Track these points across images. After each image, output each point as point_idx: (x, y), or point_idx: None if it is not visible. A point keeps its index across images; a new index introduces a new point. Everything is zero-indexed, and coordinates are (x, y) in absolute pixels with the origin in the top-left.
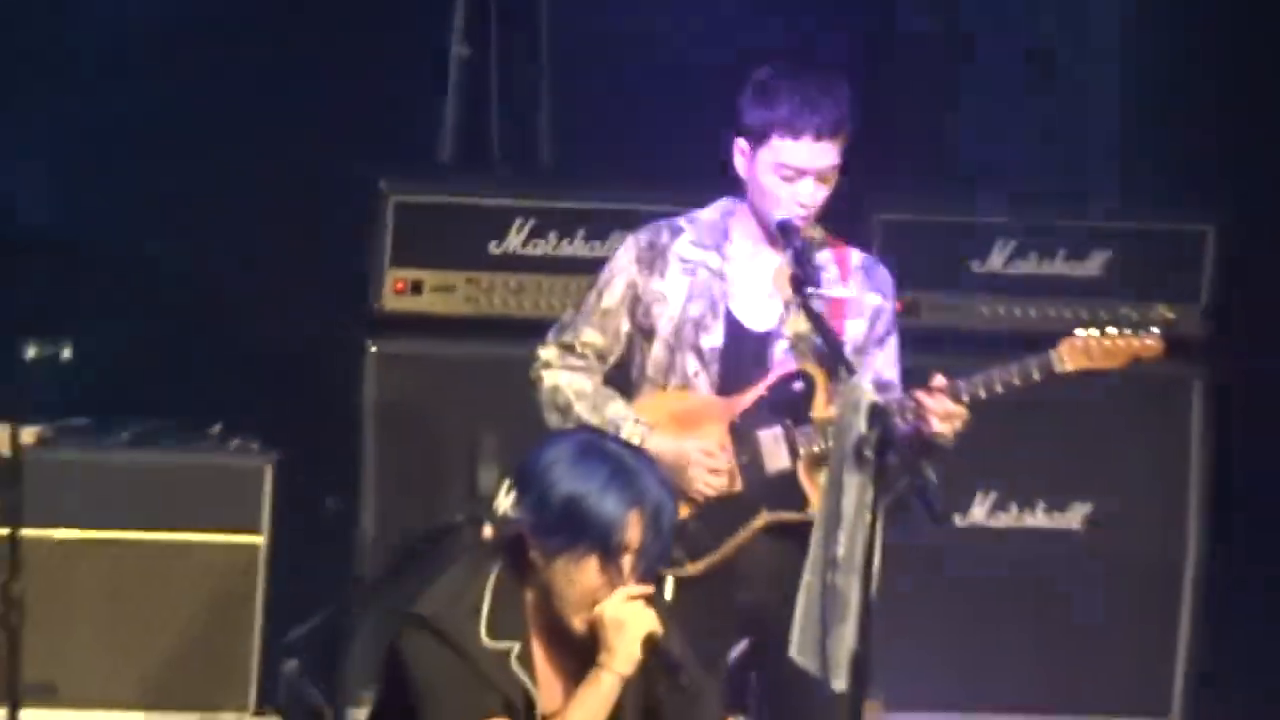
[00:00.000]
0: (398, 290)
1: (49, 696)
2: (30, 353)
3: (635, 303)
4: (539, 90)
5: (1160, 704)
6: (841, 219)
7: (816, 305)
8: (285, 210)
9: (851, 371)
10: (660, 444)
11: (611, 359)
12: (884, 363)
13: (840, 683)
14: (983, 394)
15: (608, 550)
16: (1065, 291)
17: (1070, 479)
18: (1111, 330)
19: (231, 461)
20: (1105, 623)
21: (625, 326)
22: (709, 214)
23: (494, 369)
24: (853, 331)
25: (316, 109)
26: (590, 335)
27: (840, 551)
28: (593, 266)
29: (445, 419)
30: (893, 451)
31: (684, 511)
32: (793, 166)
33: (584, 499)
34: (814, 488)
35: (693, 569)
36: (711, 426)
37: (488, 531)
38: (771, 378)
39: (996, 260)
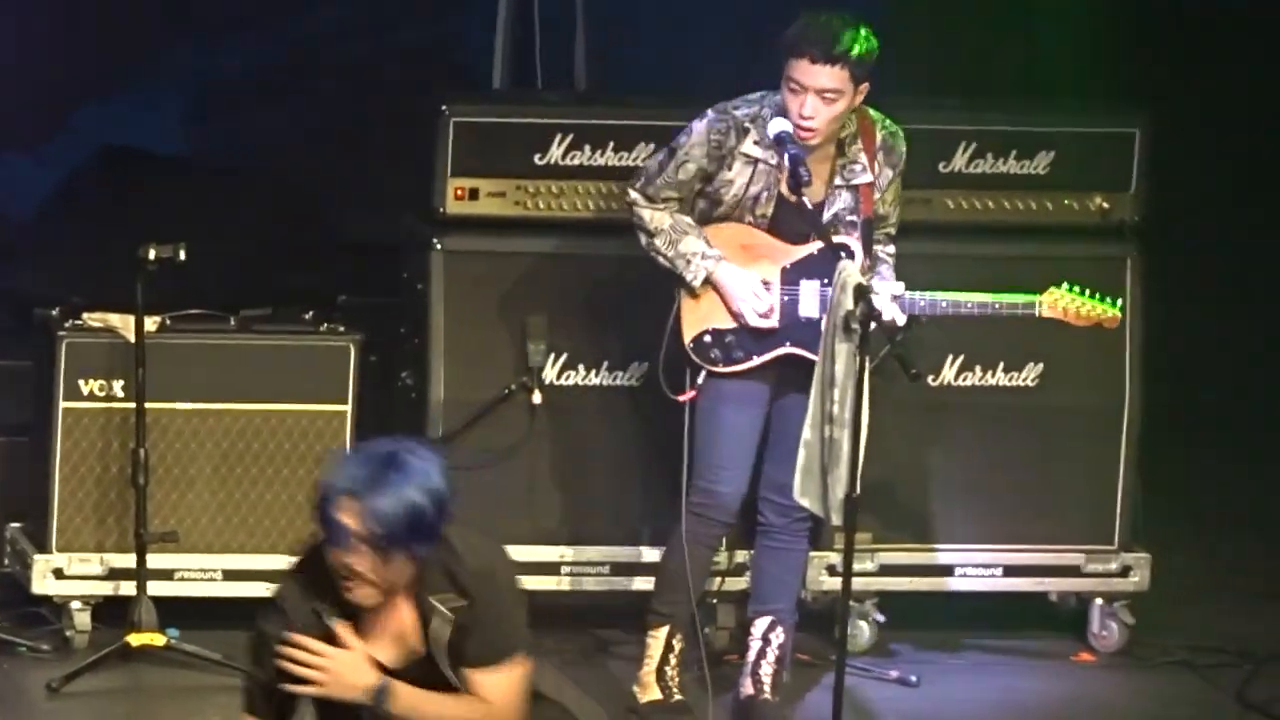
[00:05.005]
0: (458, 197)
1: (170, 543)
2: (151, 254)
3: (705, 181)
4: (575, 26)
5: (1105, 533)
6: None
7: (808, 204)
8: (365, 134)
9: (851, 256)
10: (727, 271)
11: (686, 202)
12: (882, 203)
13: (837, 519)
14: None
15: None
16: (1017, 186)
17: (1026, 344)
18: (1088, 297)
19: (321, 343)
20: (1057, 465)
21: (696, 189)
22: (768, 111)
23: (540, 261)
24: (878, 202)
25: (391, 50)
26: (668, 193)
27: (835, 409)
28: (622, 174)
29: (499, 304)
30: (875, 324)
31: (724, 324)
32: (796, 81)
33: None
34: None
35: (723, 370)
36: (770, 265)
37: (537, 397)
38: (823, 244)
39: (960, 161)
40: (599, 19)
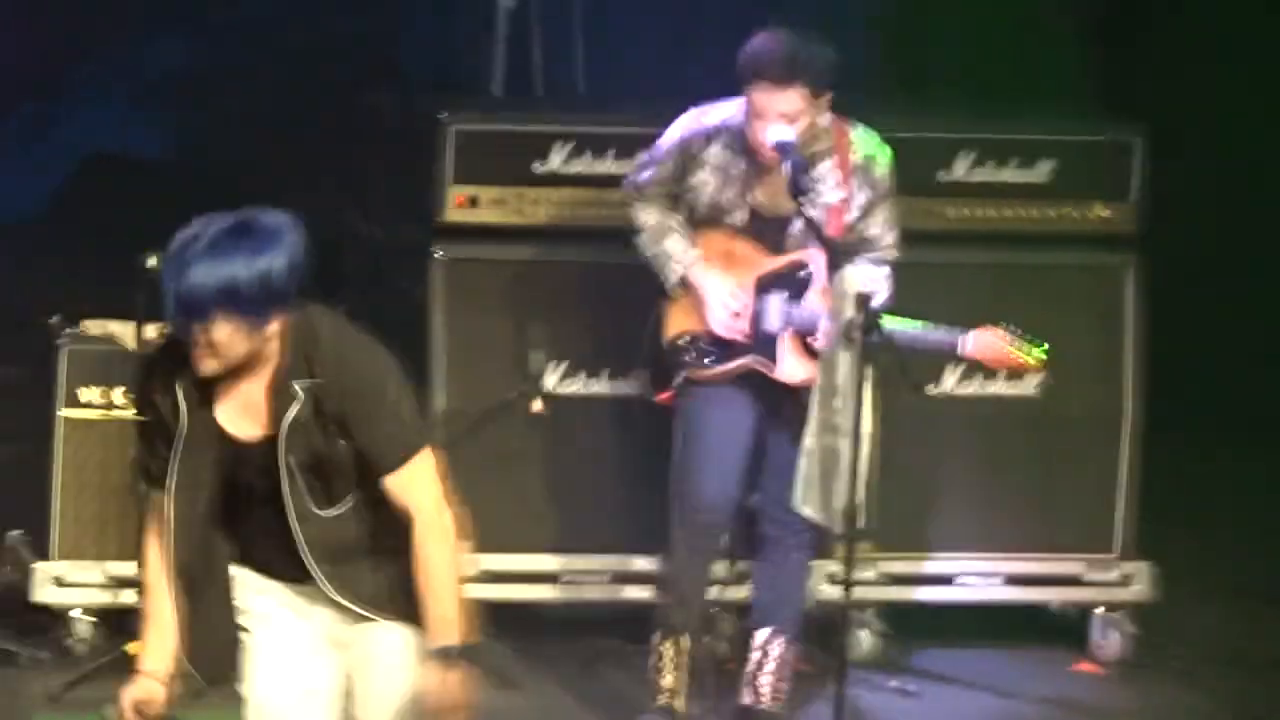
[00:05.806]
0: (458, 204)
1: None
2: (151, 262)
3: (678, 182)
4: (574, 34)
5: (1104, 541)
6: None
7: (811, 212)
8: (369, 141)
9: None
10: (702, 275)
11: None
12: (868, 225)
13: (838, 528)
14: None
15: None
16: (1017, 195)
17: None
18: (1017, 338)
19: None
20: (1057, 474)
21: (676, 190)
22: (738, 119)
23: (540, 268)
24: (851, 221)
25: (392, 60)
26: (653, 189)
27: (836, 418)
28: (621, 181)
29: (499, 312)
30: (877, 333)
31: (701, 328)
32: (757, 107)
33: None
34: (792, 353)
35: (694, 375)
36: (747, 274)
37: (537, 405)
38: (792, 257)
39: (960, 169)
40: (597, 25)
